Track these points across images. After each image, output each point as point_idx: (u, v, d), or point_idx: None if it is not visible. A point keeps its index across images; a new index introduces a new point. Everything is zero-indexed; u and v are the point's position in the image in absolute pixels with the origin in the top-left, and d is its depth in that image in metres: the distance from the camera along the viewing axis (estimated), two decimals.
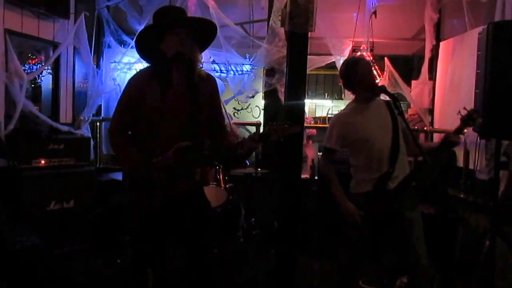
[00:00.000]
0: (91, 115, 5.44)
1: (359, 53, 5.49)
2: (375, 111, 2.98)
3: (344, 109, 3.11)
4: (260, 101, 6.43)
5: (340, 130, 2.98)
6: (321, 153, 3.36)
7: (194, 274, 2.64)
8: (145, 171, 2.49)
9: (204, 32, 2.70)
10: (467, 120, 2.76)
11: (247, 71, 5.58)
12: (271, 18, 5.07)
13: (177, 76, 2.58)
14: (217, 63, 5.54)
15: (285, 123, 2.46)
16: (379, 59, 5.58)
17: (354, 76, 2.96)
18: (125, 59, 5.64)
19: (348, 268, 3.16)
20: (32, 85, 5.35)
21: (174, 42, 2.54)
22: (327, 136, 3.06)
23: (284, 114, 3.42)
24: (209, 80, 2.74)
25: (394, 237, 2.98)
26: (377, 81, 5.07)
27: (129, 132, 2.66)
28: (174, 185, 2.54)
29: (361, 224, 2.90)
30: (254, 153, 4.54)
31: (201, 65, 2.72)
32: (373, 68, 3.15)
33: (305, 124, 5.60)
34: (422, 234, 2.92)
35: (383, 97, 3.01)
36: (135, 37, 3.20)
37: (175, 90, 2.56)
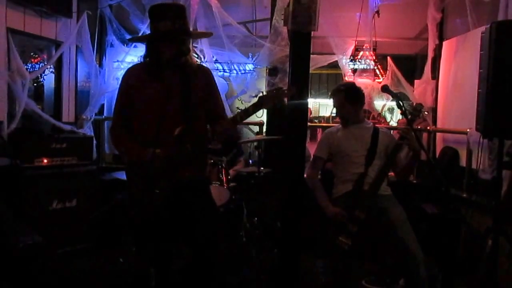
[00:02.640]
0: (94, 114, 5.44)
1: (361, 53, 5.49)
2: (358, 132, 3.39)
3: (334, 126, 3.63)
4: None
5: (327, 142, 3.47)
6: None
7: (199, 274, 2.63)
8: (148, 162, 2.51)
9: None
10: (414, 112, 3.06)
11: (250, 70, 5.57)
12: (274, 17, 5.06)
13: (168, 72, 2.61)
14: (219, 63, 5.53)
15: (275, 89, 2.53)
16: (382, 59, 5.58)
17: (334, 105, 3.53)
18: (128, 58, 5.62)
19: (341, 267, 3.29)
20: (35, 84, 5.34)
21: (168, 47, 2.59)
22: (317, 146, 3.56)
23: (287, 113, 3.43)
24: (202, 72, 2.74)
25: (384, 238, 3.19)
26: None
27: (131, 128, 2.69)
28: (177, 174, 2.56)
29: (346, 223, 3.15)
30: (257, 153, 4.52)
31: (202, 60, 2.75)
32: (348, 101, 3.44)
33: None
34: (410, 229, 3.11)
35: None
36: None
37: (168, 83, 2.60)
